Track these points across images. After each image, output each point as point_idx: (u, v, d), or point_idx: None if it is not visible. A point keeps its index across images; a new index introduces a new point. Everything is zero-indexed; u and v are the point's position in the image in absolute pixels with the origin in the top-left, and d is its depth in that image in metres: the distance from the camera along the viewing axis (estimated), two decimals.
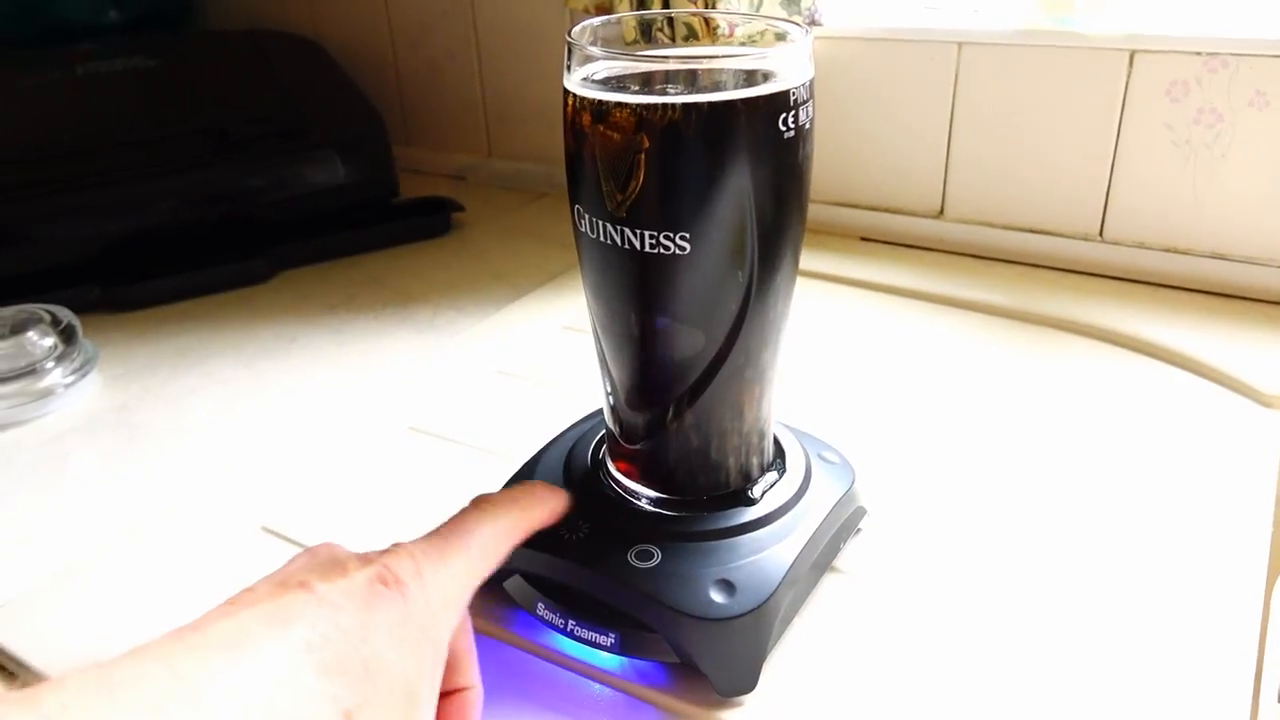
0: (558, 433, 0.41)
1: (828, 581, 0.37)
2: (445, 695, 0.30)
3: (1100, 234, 0.62)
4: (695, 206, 0.30)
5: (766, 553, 0.34)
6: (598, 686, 0.34)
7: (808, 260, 0.68)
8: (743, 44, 0.38)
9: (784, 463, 0.38)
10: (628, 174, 0.30)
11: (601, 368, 0.36)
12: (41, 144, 0.70)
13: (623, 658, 0.33)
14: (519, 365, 0.55)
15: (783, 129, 0.30)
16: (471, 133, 0.88)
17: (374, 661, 0.24)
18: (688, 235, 0.30)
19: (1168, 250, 0.60)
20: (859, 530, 0.40)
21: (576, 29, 0.32)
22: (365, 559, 0.27)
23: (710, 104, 0.29)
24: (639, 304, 0.32)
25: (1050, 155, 0.62)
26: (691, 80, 0.31)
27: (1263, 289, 0.58)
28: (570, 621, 0.34)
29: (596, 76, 0.31)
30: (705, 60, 0.31)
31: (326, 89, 0.80)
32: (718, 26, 0.43)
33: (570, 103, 0.31)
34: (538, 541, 0.34)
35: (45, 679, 0.22)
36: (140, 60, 0.80)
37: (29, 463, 0.48)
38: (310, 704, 0.22)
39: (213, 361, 0.57)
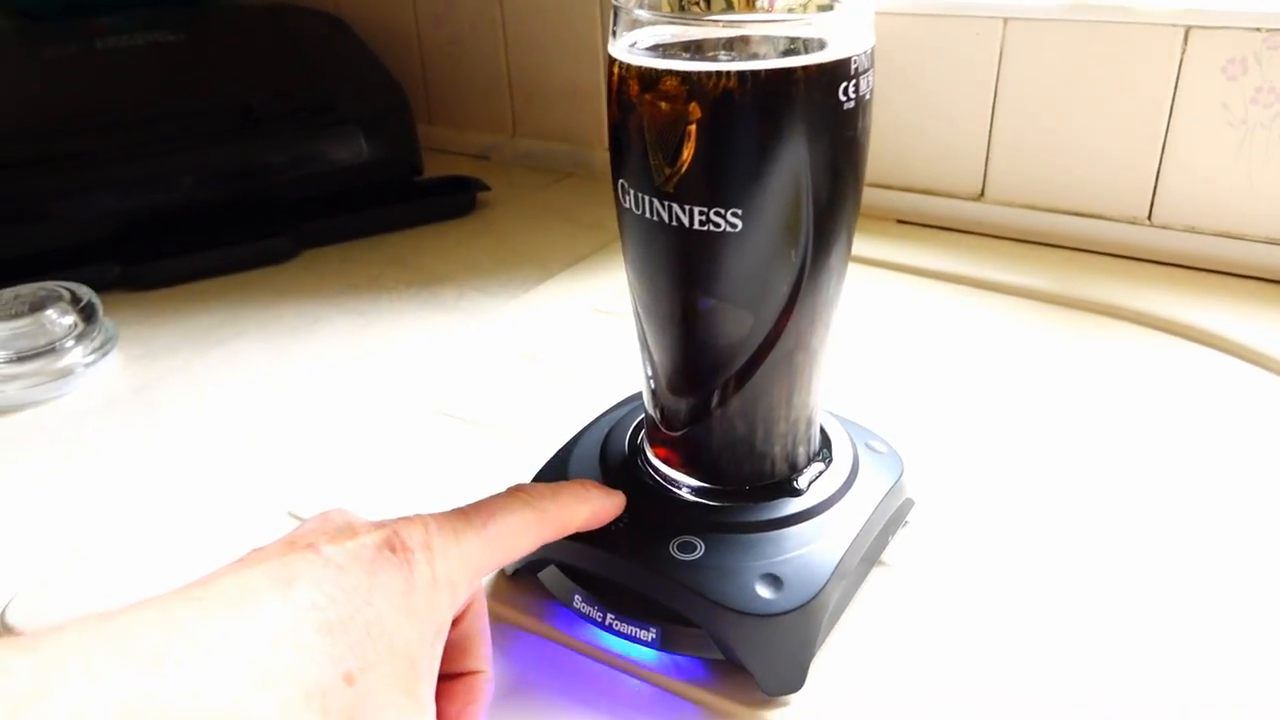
0: (591, 418, 0.40)
1: (875, 576, 0.36)
2: (455, 677, 0.29)
3: (1149, 218, 0.60)
4: (748, 181, 0.28)
5: (813, 546, 0.32)
6: (637, 682, 0.32)
7: None
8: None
9: (830, 452, 0.36)
10: (677, 146, 0.28)
11: (642, 351, 0.34)
12: (61, 119, 0.69)
13: (663, 653, 0.32)
14: (547, 348, 0.54)
15: (843, 99, 0.28)
16: (496, 111, 0.86)
17: (377, 625, 0.23)
18: (740, 212, 0.28)
19: (1220, 235, 0.58)
20: (907, 523, 0.38)
21: None
22: (378, 525, 0.26)
23: (767, 72, 0.27)
24: (685, 284, 0.31)
25: (1097, 136, 0.60)
26: (745, 47, 0.29)
27: None
28: (609, 615, 0.33)
29: (643, 44, 0.30)
30: (761, 25, 0.29)
31: (349, 65, 0.78)
32: None
33: (616, 71, 0.30)
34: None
35: None
36: (161, 34, 0.78)
37: (47, 443, 0.47)
38: (311, 662, 0.22)
39: (235, 342, 0.55)
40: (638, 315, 0.34)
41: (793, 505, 0.34)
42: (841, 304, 0.33)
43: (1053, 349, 0.52)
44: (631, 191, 0.30)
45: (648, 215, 0.30)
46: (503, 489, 0.30)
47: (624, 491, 0.34)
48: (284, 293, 0.62)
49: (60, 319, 0.52)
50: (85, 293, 0.54)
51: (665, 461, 0.35)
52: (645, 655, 0.32)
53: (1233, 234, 0.58)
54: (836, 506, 0.34)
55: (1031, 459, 0.43)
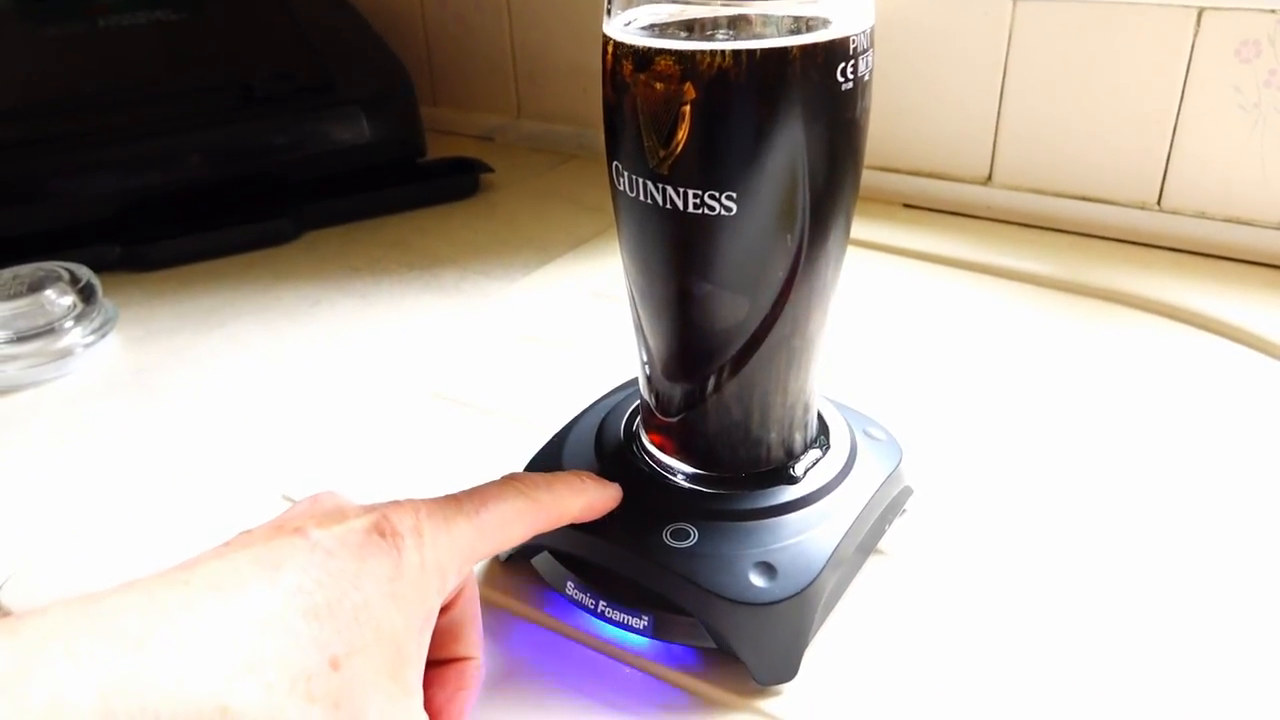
0: (588, 403, 0.39)
1: (872, 564, 0.35)
2: (445, 663, 0.29)
3: (1158, 203, 0.59)
4: (743, 164, 0.28)
5: (809, 534, 0.32)
6: (629, 670, 0.32)
7: None
8: None
9: (828, 439, 0.36)
10: (671, 128, 0.28)
11: (637, 336, 0.34)
12: (62, 98, 0.68)
13: (656, 641, 0.32)
14: (547, 332, 0.53)
15: (841, 80, 0.28)
16: (500, 92, 0.86)
17: (364, 610, 0.23)
18: (734, 195, 0.28)
19: (1230, 221, 0.57)
20: (905, 511, 0.38)
21: None
22: (368, 509, 0.26)
23: (763, 51, 0.26)
24: (680, 268, 0.30)
25: (1107, 119, 0.59)
26: (742, 26, 0.29)
27: None
28: (601, 602, 0.32)
29: (639, 23, 0.29)
30: (758, 4, 0.29)
31: (352, 45, 0.78)
32: None
33: (610, 50, 0.29)
34: None
35: None
36: (163, 13, 0.78)
37: (46, 424, 0.47)
38: (297, 647, 0.22)
39: (235, 324, 0.55)
40: (633, 300, 0.33)
41: (788, 493, 0.33)
42: (840, 289, 0.33)
43: (1059, 336, 0.51)
44: (626, 174, 0.30)
45: (642, 198, 0.29)
46: (497, 477, 0.30)
47: (618, 477, 0.34)
48: (284, 275, 0.61)
49: (59, 299, 0.52)
50: (84, 273, 0.54)
51: (660, 448, 0.35)
52: (637, 643, 0.32)
53: (1243, 220, 0.57)
54: (833, 494, 0.34)
55: (1034, 447, 0.42)
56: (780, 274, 0.30)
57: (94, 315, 0.53)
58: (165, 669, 0.20)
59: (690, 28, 0.29)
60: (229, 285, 0.60)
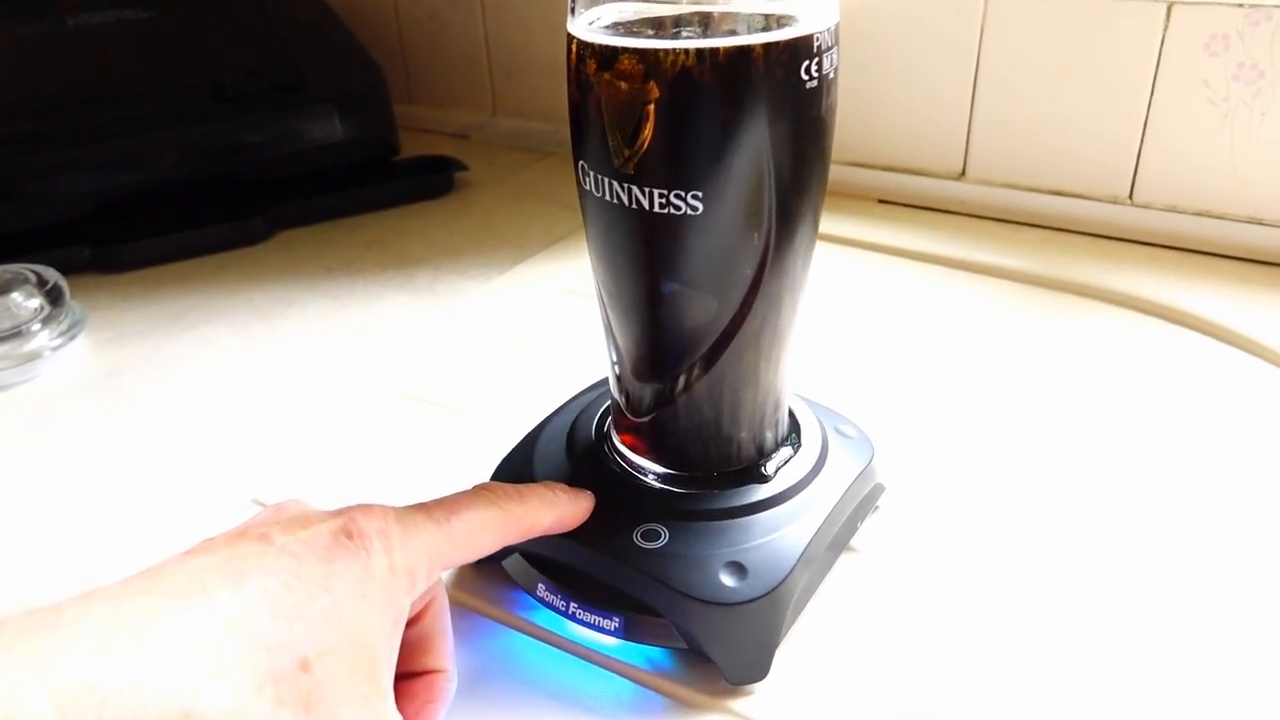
0: (560, 403, 0.39)
1: (844, 562, 0.35)
2: (415, 676, 0.28)
3: (1130, 197, 0.60)
4: (708, 163, 0.28)
5: (780, 533, 0.32)
6: (600, 672, 0.32)
7: (822, 223, 0.66)
8: None
9: (799, 437, 0.36)
10: (635, 127, 0.28)
11: (607, 336, 0.34)
12: (30, 97, 0.67)
13: (627, 642, 0.32)
14: (521, 331, 0.53)
15: (805, 78, 0.27)
16: (476, 89, 0.85)
17: (334, 611, 0.23)
18: (700, 194, 0.28)
19: (1201, 214, 0.58)
20: (877, 508, 0.38)
21: None
22: (334, 513, 0.26)
23: (726, 49, 0.26)
24: (647, 268, 0.30)
25: (1079, 113, 0.59)
26: (707, 24, 0.28)
27: None
28: (572, 604, 0.32)
29: (603, 21, 0.29)
30: (723, 3, 0.29)
31: (325, 42, 0.77)
32: None
33: (574, 49, 0.29)
34: None
35: None
36: (133, 11, 0.77)
37: (12, 429, 0.46)
38: (263, 650, 0.21)
39: (205, 326, 0.55)
40: (601, 300, 0.33)
41: (760, 492, 0.33)
42: (810, 286, 0.33)
43: (1032, 331, 0.51)
44: (591, 173, 0.30)
45: (608, 198, 0.29)
46: (469, 484, 0.30)
47: (590, 478, 0.34)
48: (256, 275, 0.61)
49: (26, 302, 0.51)
50: (52, 275, 0.54)
51: (631, 448, 0.35)
52: (609, 644, 0.32)
53: (1214, 213, 0.57)
54: (804, 493, 0.33)
55: (1007, 443, 0.42)
56: (748, 272, 0.30)
57: (62, 318, 0.52)
58: (124, 677, 0.19)
59: (655, 26, 0.29)
60: (200, 286, 0.59)
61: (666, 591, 0.30)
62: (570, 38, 0.29)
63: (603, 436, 0.36)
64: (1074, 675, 0.31)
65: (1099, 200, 0.60)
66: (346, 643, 0.23)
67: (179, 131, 0.67)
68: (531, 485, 0.31)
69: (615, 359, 0.34)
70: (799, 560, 0.31)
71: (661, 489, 0.34)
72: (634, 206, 0.29)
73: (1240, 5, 0.53)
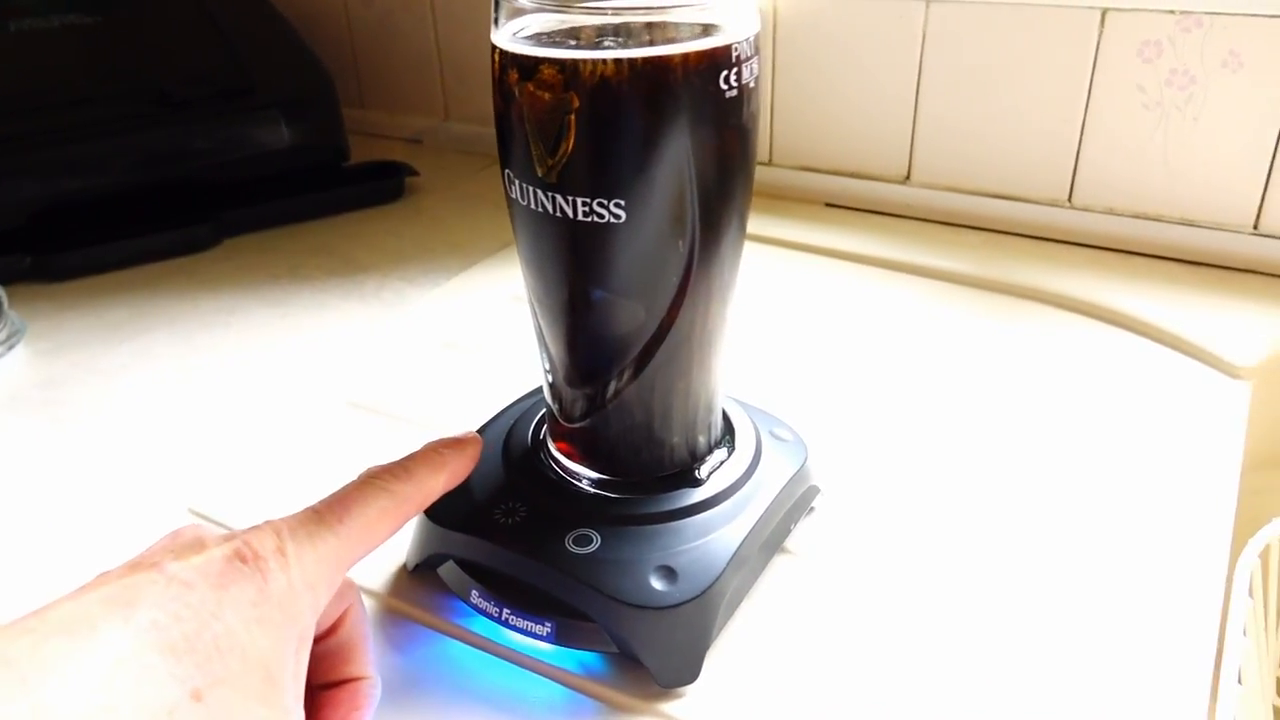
0: (497, 410, 0.39)
1: (777, 563, 0.36)
2: (337, 685, 0.28)
3: (1069, 199, 0.61)
4: (630, 171, 0.28)
5: (712, 536, 0.32)
6: (534, 677, 0.32)
7: (769, 227, 0.66)
8: None
9: (733, 440, 0.36)
10: (557, 136, 0.28)
11: (539, 343, 0.34)
12: None
13: (559, 647, 0.32)
14: (465, 337, 0.53)
15: (725, 87, 0.28)
16: (428, 94, 0.85)
17: (226, 639, 0.23)
18: (622, 202, 0.28)
19: (1137, 216, 0.59)
20: (812, 510, 0.38)
21: None
22: (228, 537, 0.25)
23: (645, 59, 0.27)
24: (574, 276, 0.30)
25: (1019, 118, 0.60)
26: (629, 35, 0.29)
27: (1231, 256, 0.57)
28: (505, 610, 0.32)
29: (527, 32, 0.29)
30: (645, 13, 0.29)
31: (272, 47, 0.76)
32: None
33: (496, 59, 0.29)
34: (471, 525, 0.33)
35: None
36: (77, 17, 0.76)
37: None
38: (154, 684, 0.21)
39: (147, 336, 0.54)
40: (532, 307, 0.33)
41: (693, 495, 0.33)
42: (738, 291, 0.33)
43: (972, 333, 0.52)
44: (517, 182, 0.30)
45: (533, 206, 0.29)
46: (355, 476, 0.29)
47: (525, 485, 0.34)
48: (202, 283, 0.60)
49: None
50: None
51: (566, 454, 0.35)
52: (541, 649, 0.32)
53: (1150, 215, 0.59)
54: (736, 495, 0.34)
55: (944, 444, 0.43)
56: (674, 278, 0.30)
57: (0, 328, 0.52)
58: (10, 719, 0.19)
59: (577, 36, 0.29)
60: (143, 295, 0.59)
61: (597, 596, 0.30)
62: (494, 48, 0.29)
63: (539, 443, 0.36)
64: (1004, 673, 0.31)
65: (1039, 203, 0.61)
66: (241, 669, 0.23)
67: (124, 138, 0.66)
68: (415, 453, 0.31)
69: (548, 366, 0.34)
70: (729, 563, 0.31)
71: (595, 494, 0.34)
72: (558, 215, 0.29)
73: (1172, 12, 0.54)
